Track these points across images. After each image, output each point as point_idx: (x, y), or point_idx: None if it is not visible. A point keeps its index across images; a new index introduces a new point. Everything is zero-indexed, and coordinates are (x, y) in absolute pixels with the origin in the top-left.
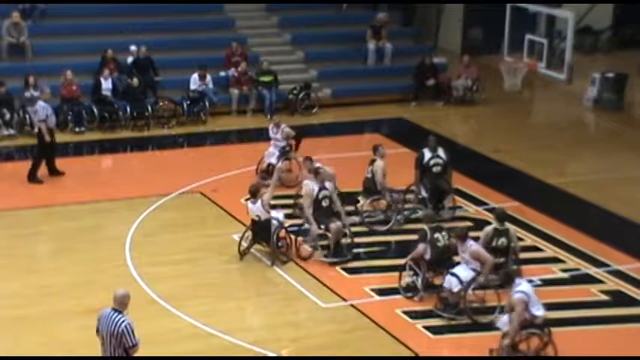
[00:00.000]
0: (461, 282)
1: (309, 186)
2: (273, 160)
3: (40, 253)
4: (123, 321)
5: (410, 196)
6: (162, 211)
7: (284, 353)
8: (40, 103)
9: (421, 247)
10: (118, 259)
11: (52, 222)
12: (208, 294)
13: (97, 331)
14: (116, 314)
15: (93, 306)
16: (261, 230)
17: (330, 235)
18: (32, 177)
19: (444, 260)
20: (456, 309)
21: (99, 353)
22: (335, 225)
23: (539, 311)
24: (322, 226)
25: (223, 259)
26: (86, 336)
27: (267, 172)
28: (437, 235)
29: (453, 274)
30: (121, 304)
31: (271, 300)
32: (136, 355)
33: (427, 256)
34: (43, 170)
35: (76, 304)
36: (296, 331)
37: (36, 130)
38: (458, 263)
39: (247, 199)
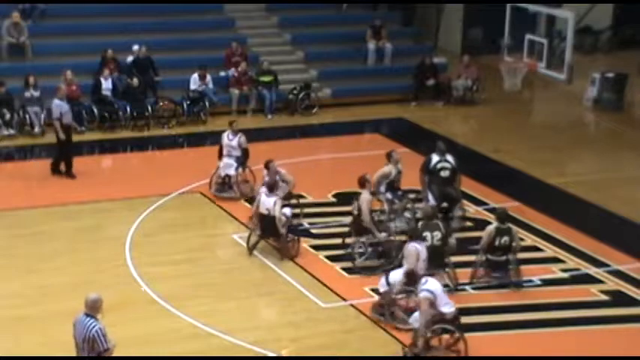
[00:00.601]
0: (388, 283)
1: (366, 195)
2: (232, 172)
3: (40, 253)
4: (94, 326)
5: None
6: (162, 211)
7: (284, 353)
8: (55, 101)
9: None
10: (118, 259)
11: (51, 222)
12: (208, 294)
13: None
14: (88, 319)
15: None
16: (269, 224)
17: (394, 239)
18: (68, 172)
19: (431, 260)
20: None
21: None
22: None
23: (447, 308)
24: (385, 233)
25: (223, 259)
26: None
27: (224, 184)
28: (426, 233)
29: (387, 276)
30: (93, 309)
31: (271, 300)
32: (122, 355)
33: None
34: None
35: (76, 305)
36: (296, 331)
37: (36, 129)
38: (446, 265)
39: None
